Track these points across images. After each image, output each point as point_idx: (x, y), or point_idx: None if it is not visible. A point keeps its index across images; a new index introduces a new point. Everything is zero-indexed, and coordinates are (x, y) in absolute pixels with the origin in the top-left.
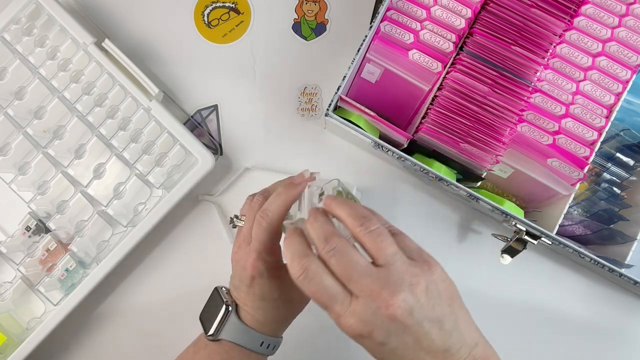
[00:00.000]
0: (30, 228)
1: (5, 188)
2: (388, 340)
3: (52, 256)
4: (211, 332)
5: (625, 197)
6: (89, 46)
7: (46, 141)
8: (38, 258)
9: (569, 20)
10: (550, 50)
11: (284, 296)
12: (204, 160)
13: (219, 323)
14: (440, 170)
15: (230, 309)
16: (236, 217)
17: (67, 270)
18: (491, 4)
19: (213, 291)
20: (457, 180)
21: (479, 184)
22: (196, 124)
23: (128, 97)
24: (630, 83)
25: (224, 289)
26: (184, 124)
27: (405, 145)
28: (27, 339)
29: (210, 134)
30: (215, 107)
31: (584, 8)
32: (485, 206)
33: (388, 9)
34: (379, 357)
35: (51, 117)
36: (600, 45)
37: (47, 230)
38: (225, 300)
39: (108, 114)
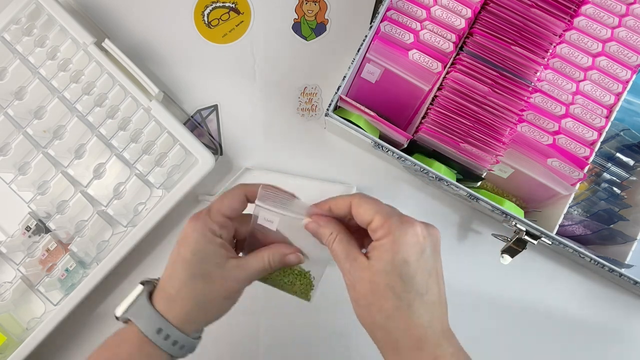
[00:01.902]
0: (30, 228)
1: (5, 188)
2: (432, 256)
3: (52, 256)
4: (117, 313)
5: (625, 197)
6: (89, 46)
7: (46, 141)
8: (38, 258)
9: (569, 20)
10: (550, 50)
11: (206, 268)
12: (204, 160)
13: (130, 304)
14: (440, 170)
15: (143, 286)
16: None
17: (67, 270)
18: (491, 4)
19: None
20: (457, 180)
21: (479, 184)
22: (196, 124)
23: (128, 97)
24: (630, 83)
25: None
26: (184, 124)
27: (405, 145)
28: (27, 339)
29: (210, 134)
30: (215, 107)
31: (584, 8)
32: (485, 206)
33: (388, 9)
34: (415, 278)
35: (51, 117)
36: (600, 45)
37: (47, 230)
38: (144, 280)
39: (108, 114)
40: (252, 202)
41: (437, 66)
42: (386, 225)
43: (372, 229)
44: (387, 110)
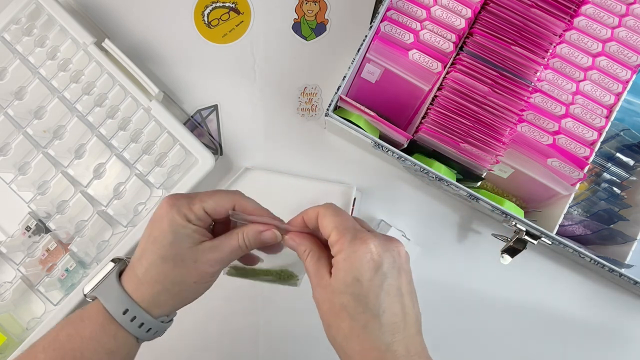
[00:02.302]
0: (30, 228)
1: (5, 188)
2: (390, 273)
3: (52, 256)
4: (85, 290)
5: (625, 197)
6: (89, 46)
7: (46, 141)
8: (38, 258)
9: (569, 20)
10: (550, 50)
11: (178, 250)
12: (204, 160)
13: (99, 282)
14: (440, 170)
15: (115, 264)
16: None
17: (67, 270)
18: (491, 4)
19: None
20: (457, 180)
21: (479, 184)
22: (196, 124)
23: (128, 97)
24: (630, 83)
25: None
26: (184, 124)
27: (405, 145)
28: (27, 339)
29: (210, 134)
30: (215, 107)
31: (584, 8)
32: (485, 206)
33: (388, 9)
34: (368, 297)
35: (51, 117)
36: (600, 45)
37: (47, 230)
38: (115, 257)
39: (108, 114)
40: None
41: (437, 66)
42: (340, 242)
43: (330, 244)
44: (387, 110)
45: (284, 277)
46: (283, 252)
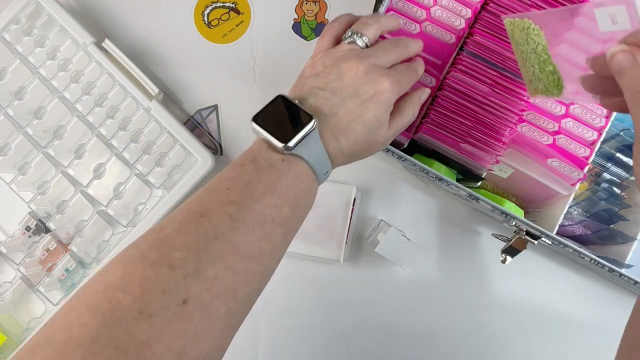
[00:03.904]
0: (30, 228)
1: (5, 188)
2: None
3: (52, 256)
4: (290, 143)
5: (625, 197)
6: (89, 46)
7: (46, 141)
8: (38, 258)
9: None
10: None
11: (377, 133)
12: (204, 160)
13: (304, 135)
14: (440, 170)
15: (315, 124)
16: (358, 34)
17: (67, 270)
18: (491, 4)
19: (278, 98)
20: (457, 180)
21: (479, 184)
22: (196, 124)
23: (128, 97)
24: None
25: (296, 100)
26: (184, 124)
27: (405, 145)
28: (27, 339)
29: (210, 134)
30: (215, 107)
31: None
32: (485, 206)
33: (388, 10)
34: None
35: (51, 117)
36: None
37: (47, 230)
38: (310, 112)
39: (108, 114)
40: None
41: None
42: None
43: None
44: None
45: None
46: None
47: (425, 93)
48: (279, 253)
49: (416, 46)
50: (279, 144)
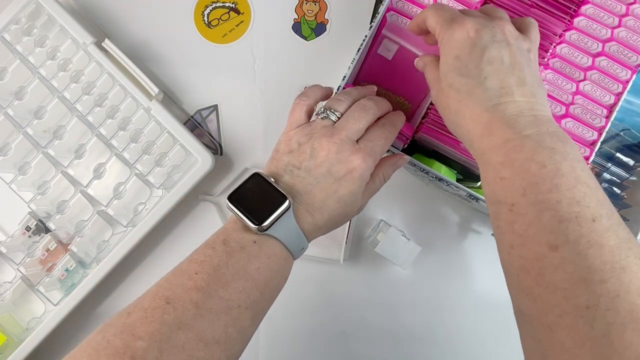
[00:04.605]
0: (30, 228)
1: (5, 188)
2: (491, 44)
3: (52, 256)
4: (262, 225)
5: (625, 197)
6: (89, 46)
7: (46, 141)
8: (38, 258)
9: (569, 20)
10: (550, 50)
11: (352, 206)
12: (204, 160)
13: (277, 216)
14: (440, 170)
15: (290, 204)
16: (328, 109)
17: (67, 270)
18: (491, 4)
19: (254, 177)
20: (457, 180)
21: (479, 184)
22: (196, 124)
23: (128, 97)
24: (630, 83)
25: (268, 177)
26: (184, 124)
27: (405, 146)
28: (27, 339)
29: (210, 134)
30: (215, 107)
31: (584, 8)
32: (485, 206)
33: (388, 10)
34: (469, 68)
35: (51, 117)
36: (600, 45)
37: (47, 230)
38: (284, 192)
39: (108, 114)
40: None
41: None
42: (440, 30)
43: (437, 38)
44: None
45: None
46: None
47: (401, 161)
48: (246, 336)
49: (385, 103)
50: (253, 225)
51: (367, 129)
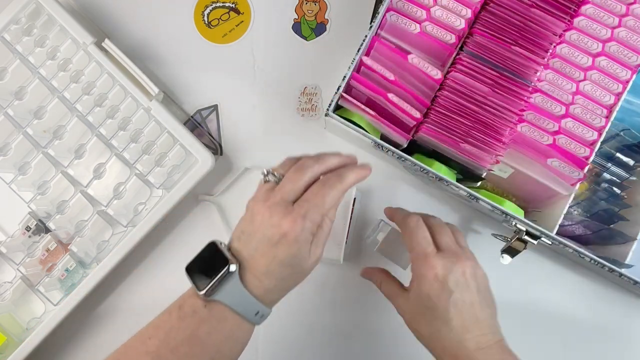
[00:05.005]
0: (30, 228)
1: (5, 188)
2: (455, 289)
3: (52, 256)
4: (204, 291)
5: (625, 197)
6: (89, 46)
7: (46, 141)
8: (38, 258)
9: (569, 20)
10: (550, 50)
11: (301, 265)
12: (204, 160)
13: (216, 281)
14: (440, 170)
15: (233, 269)
16: (270, 172)
17: (67, 270)
18: (491, 4)
19: (209, 245)
20: (457, 180)
21: (479, 184)
22: (196, 124)
23: (128, 97)
24: (630, 83)
25: (222, 244)
26: (184, 124)
27: (405, 146)
28: (27, 339)
29: (210, 134)
30: (215, 107)
31: (584, 8)
32: (485, 206)
33: (388, 10)
34: (438, 309)
35: (51, 117)
36: (600, 45)
37: (47, 230)
38: (229, 257)
39: (108, 114)
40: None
41: (437, 73)
42: (414, 264)
43: (411, 261)
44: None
45: None
46: None
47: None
48: None
49: (332, 159)
50: (198, 291)
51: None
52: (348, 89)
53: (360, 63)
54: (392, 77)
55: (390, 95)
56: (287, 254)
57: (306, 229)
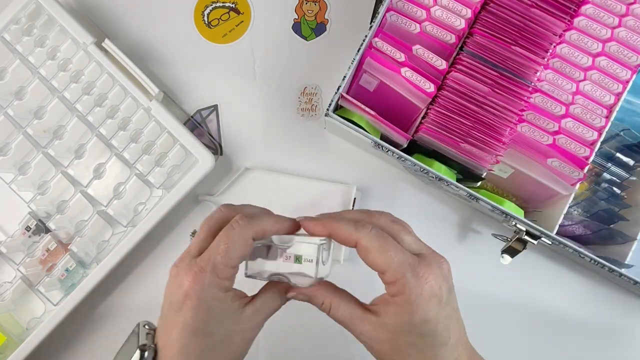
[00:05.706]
0: (30, 228)
1: (5, 188)
2: (449, 297)
3: (52, 256)
4: None
5: (625, 197)
6: (89, 46)
7: (46, 141)
8: (38, 258)
9: (569, 20)
10: (550, 50)
11: (222, 331)
12: (204, 160)
13: None
14: (440, 170)
15: (146, 355)
16: (195, 231)
17: (67, 270)
18: (491, 4)
19: (135, 327)
20: (457, 180)
21: (479, 184)
22: (196, 124)
23: (128, 97)
24: (630, 83)
25: (146, 326)
26: (184, 124)
27: (405, 146)
28: (27, 339)
29: (210, 134)
30: (215, 107)
31: (584, 8)
32: (485, 206)
33: (388, 10)
34: (437, 331)
35: (51, 117)
36: (600, 45)
37: (47, 230)
38: (142, 343)
39: (108, 114)
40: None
41: (429, 86)
42: (400, 283)
43: (384, 281)
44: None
45: None
46: None
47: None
48: None
49: (251, 207)
50: None
51: None
52: (348, 89)
53: (370, 45)
54: (402, 58)
55: (404, 70)
56: (196, 320)
57: (211, 283)
